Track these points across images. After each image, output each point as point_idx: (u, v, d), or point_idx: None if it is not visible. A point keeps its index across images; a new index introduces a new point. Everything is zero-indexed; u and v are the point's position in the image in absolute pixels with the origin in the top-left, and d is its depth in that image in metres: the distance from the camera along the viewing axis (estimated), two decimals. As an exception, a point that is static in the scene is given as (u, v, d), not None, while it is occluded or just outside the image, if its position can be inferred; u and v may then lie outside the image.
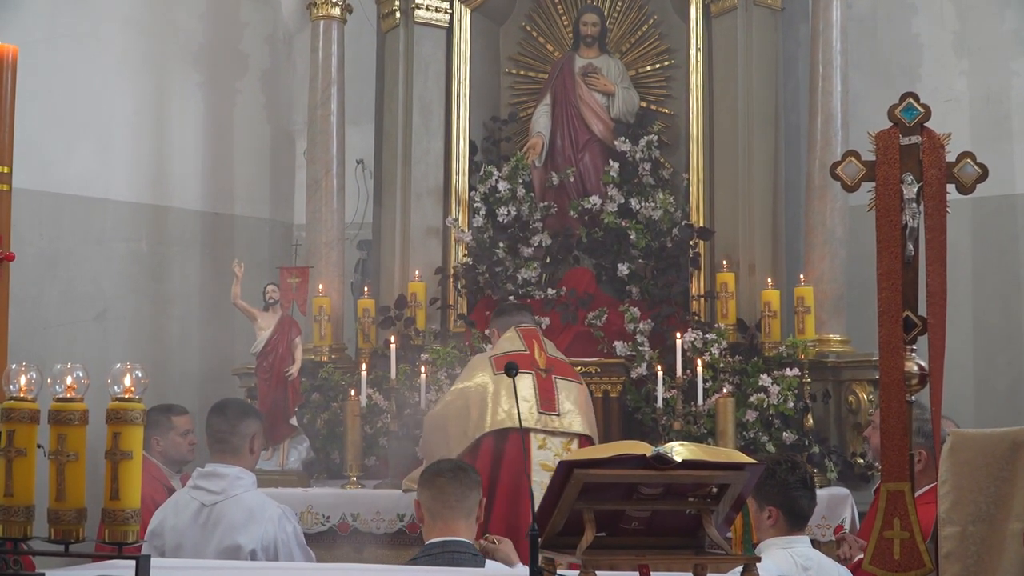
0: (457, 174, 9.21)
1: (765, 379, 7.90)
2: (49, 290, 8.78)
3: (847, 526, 7.24)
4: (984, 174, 4.11)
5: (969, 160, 4.12)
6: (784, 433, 7.81)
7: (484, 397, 6.70)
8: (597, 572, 3.52)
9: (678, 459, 3.57)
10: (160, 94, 9.50)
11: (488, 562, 4.70)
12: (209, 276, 9.57)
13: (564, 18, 9.65)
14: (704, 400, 7.71)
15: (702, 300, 8.65)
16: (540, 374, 6.83)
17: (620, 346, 8.19)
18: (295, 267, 8.37)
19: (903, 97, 4.16)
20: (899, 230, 4.04)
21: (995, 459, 3.51)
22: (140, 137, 9.35)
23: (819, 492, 7.24)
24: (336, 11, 9.10)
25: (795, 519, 4.99)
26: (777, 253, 8.65)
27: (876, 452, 6.88)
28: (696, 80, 8.94)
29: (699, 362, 7.76)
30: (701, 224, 8.75)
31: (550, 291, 8.63)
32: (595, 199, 8.84)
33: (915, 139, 4.10)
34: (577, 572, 3.53)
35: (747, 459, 3.75)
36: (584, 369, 7.81)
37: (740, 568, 3.65)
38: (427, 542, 4.67)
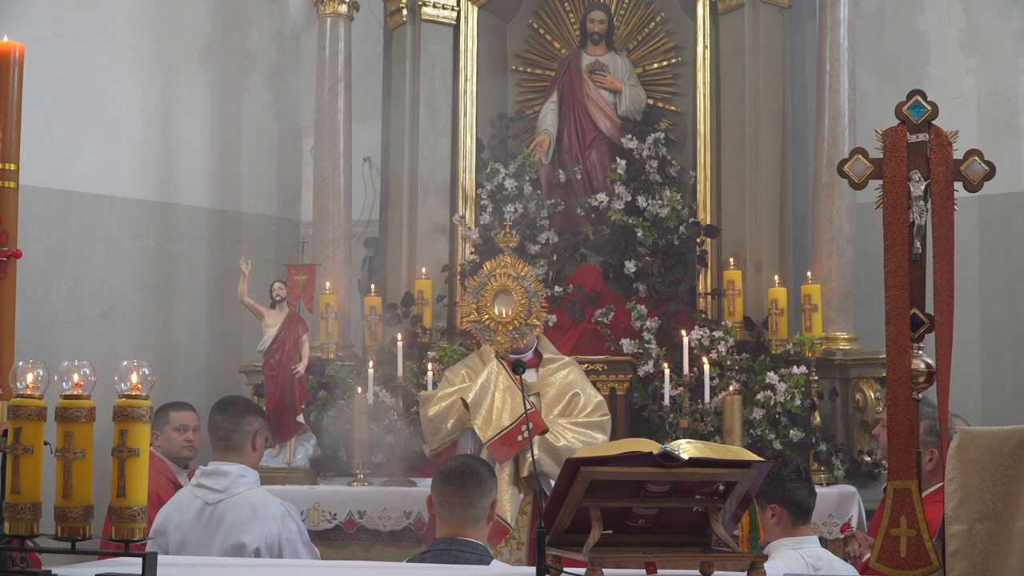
0: (464, 171, 9.22)
1: (772, 377, 7.90)
2: (56, 287, 8.79)
3: (854, 523, 7.24)
4: (991, 172, 4.10)
5: (976, 158, 4.11)
6: (791, 431, 7.81)
7: None
8: (604, 570, 3.52)
9: (685, 457, 3.57)
10: (167, 91, 9.51)
11: (494, 561, 4.70)
12: (216, 273, 9.59)
13: (571, 15, 9.66)
14: (711, 398, 7.72)
15: (709, 298, 8.66)
16: None
17: (627, 344, 8.19)
18: (302, 264, 8.37)
19: (910, 95, 4.15)
20: (906, 228, 4.03)
21: (1002, 457, 3.50)
22: (147, 134, 9.36)
23: (826, 490, 7.33)
24: (343, 8, 9.11)
25: (798, 512, 4.99)
26: (784, 251, 8.65)
27: (885, 450, 6.87)
28: (703, 77, 8.95)
29: (706, 360, 7.76)
30: (708, 222, 8.76)
31: (557, 288, 8.63)
32: (602, 197, 8.85)
33: (922, 137, 4.08)
34: (584, 570, 3.53)
35: (754, 457, 3.76)
36: (591, 367, 7.84)
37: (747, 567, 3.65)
38: (437, 536, 4.66)
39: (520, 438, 6.62)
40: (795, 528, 4.99)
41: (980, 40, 9.14)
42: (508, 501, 6.56)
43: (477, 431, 6.66)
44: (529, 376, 6.95)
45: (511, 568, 4.66)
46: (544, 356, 7.12)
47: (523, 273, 7.02)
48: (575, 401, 6.96)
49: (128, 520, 3.41)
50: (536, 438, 6.63)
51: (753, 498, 4.03)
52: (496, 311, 6.96)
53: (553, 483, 6.46)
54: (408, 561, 4.67)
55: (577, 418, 6.87)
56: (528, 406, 6.60)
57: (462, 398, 6.77)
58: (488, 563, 4.56)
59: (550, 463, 6.68)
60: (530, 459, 6.54)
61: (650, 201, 8.77)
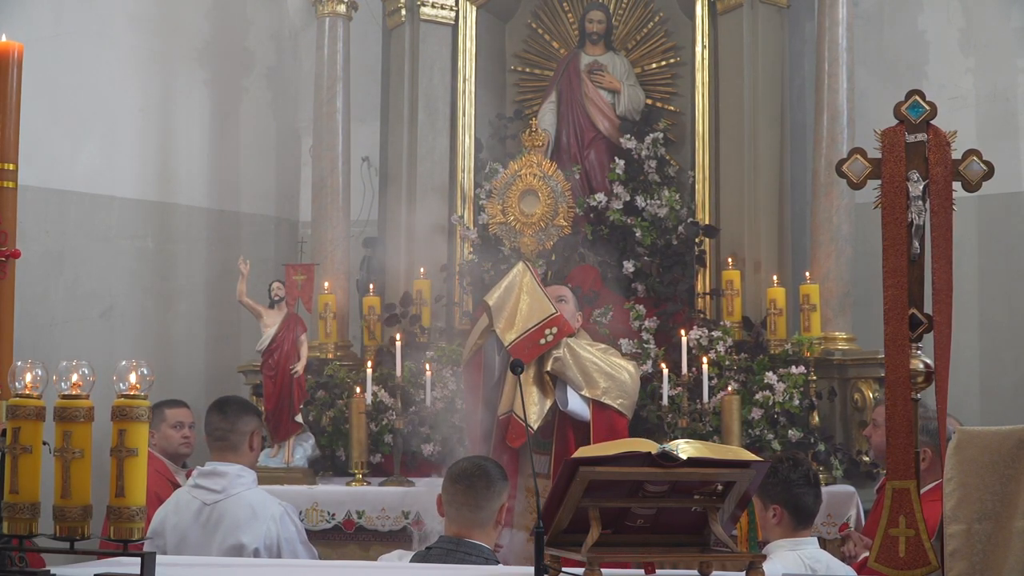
0: (463, 171, 9.22)
1: (771, 377, 7.90)
2: (55, 287, 8.79)
3: (852, 524, 7.23)
4: (990, 172, 4.11)
5: (975, 158, 4.12)
6: (790, 431, 7.80)
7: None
8: (603, 570, 3.52)
9: (684, 457, 3.58)
10: (166, 91, 9.51)
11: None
12: (215, 273, 9.58)
13: (570, 15, 9.66)
14: (710, 398, 7.71)
15: (708, 297, 8.65)
16: None
17: (625, 344, 8.17)
18: (301, 264, 8.37)
19: (909, 94, 4.15)
20: (905, 228, 4.04)
21: (1001, 457, 3.51)
22: (146, 134, 9.36)
23: (824, 490, 7.30)
24: (342, 8, 9.11)
25: (800, 517, 4.96)
26: (783, 250, 8.65)
27: (877, 451, 6.87)
28: (702, 77, 8.94)
29: (704, 360, 7.76)
30: (707, 221, 8.75)
31: (555, 288, 8.62)
32: (601, 196, 8.84)
33: (921, 136, 4.09)
34: (583, 570, 3.53)
35: (753, 457, 3.76)
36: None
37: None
38: (444, 533, 4.65)
39: (543, 340, 6.57)
40: (795, 530, 4.96)
41: (979, 40, 9.14)
42: (532, 403, 6.53)
43: (499, 334, 6.60)
44: None
45: (510, 568, 4.64)
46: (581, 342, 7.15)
47: (550, 172, 6.91)
48: (610, 353, 7.03)
49: (127, 520, 3.41)
50: (565, 340, 6.62)
51: (752, 498, 4.03)
52: (522, 211, 6.90)
53: (570, 391, 6.59)
54: (413, 557, 4.66)
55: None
56: (553, 310, 6.60)
57: (484, 300, 6.71)
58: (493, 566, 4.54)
59: (574, 370, 6.67)
60: (553, 355, 6.53)
61: (649, 201, 8.77)
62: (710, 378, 7.74)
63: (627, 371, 6.90)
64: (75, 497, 3.43)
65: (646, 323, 8.28)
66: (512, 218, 6.79)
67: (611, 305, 8.42)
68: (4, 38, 3.98)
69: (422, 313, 8.74)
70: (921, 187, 4.05)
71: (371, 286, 9.02)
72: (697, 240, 8.69)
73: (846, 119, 8.36)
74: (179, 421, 7.50)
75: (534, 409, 6.55)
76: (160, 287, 9.41)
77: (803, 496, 4.96)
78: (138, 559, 3.37)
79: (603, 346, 7.30)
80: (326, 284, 8.75)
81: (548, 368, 6.64)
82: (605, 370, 6.77)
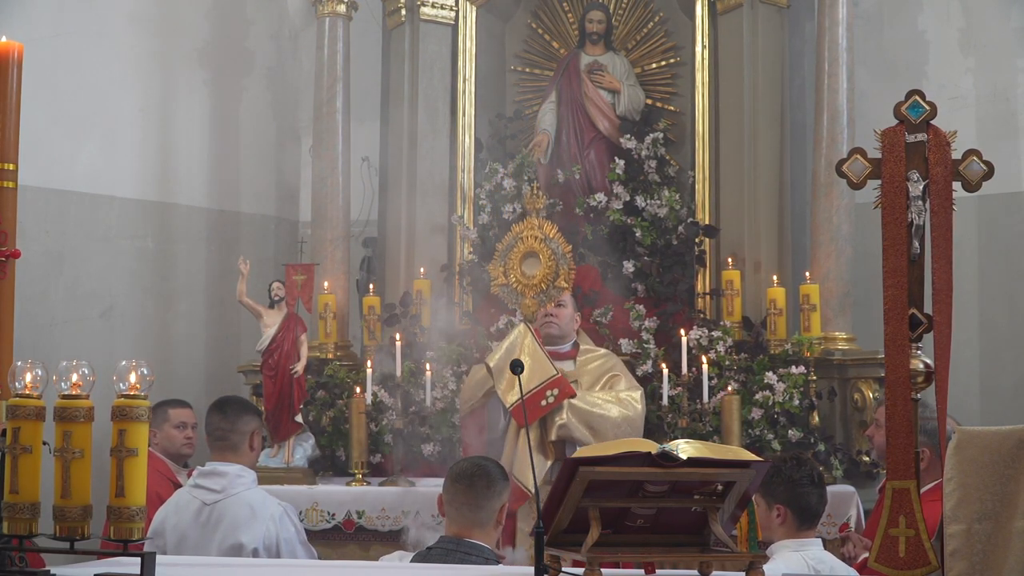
0: (462, 171, 9.22)
1: (771, 377, 7.90)
2: (55, 287, 8.79)
3: (852, 524, 7.22)
4: (990, 172, 4.10)
5: (975, 158, 4.12)
6: (790, 431, 7.81)
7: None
8: (603, 570, 3.52)
9: (684, 457, 3.58)
10: (166, 91, 9.50)
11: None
12: (215, 273, 9.58)
13: (570, 15, 9.65)
14: (709, 398, 7.71)
15: (707, 297, 8.65)
16: None
17: (625, 343, 8.18)
18: (300, 264, 8.36)
19: (909, 94, 4.15)
20: (905, 228, 4.03)
21: (1001, 457, 3.50)
22: (146, 134, 9.36)
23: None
24: (342, 8, 9.11)
25: (804, 517, 4.95)
26: (783, 250, 8.65)
27: (879, 451, 6.87)
28: (702, 77, 8.94)
29: (704, 360, 7.76)
30: (707, 221, 8.76)
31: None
32: (601, 196, 8.84)
33: (921, 136, 4.09)
34: (583, 570, 3.53)
35: (753, 457, 3.76)
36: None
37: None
38: (445, 533, 4.66)
39: (544, 403, 6.60)
40: (799, 530, 4.96)
41: (979, 40, 9.14)
42: (536, 466, 6.55)
43: (500, 395, 6.63)
44: (566, 366, 6.98)
45: (510, 568, 4.64)
46: (581, 347, 7.15)
47: (550, 235, 6.96)
48: (613, 381, 7.02)
49: (127, 520, 3.41)
50: (566, 402, 6.64)
51: (751, 498, 4.03)
52: (523, 273, 6.92)
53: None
54: (413, 557, 4.67)
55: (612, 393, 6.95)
56: (555, 371, 6.62)
57: (486, 363, 6.74)
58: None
59: (582, 429, 6.68)
60: (557, 422, 6.56)
61: (649, 201, 8.77)
62: (710, 378, 7.74)
63: (631, 405, 6.89)
64: (75, 497, 3.43)
65: (646, 323, 8.28)
66: (513, 279, 6.84)
67: (611, 305, 8.42)
68: (4, 38, 3.98)
69: (422, 313, 8.74)
70: (921, 187, 4.04)
71: (371, 286, 9.02)
72: (697, 240, 8.69)
73: (846, 119, 8.36)
74: (182, 421, 7.51)
75: (531, 473, 6.58)
76: (160, 287, 9.40)
77: (807, 496, 4.95)
78: (138, 559, 3.37)
79: (604, 351, 7.30)
80: (326, 284, 8.75)
81: (553, 437, 6.66)
82: (609, 417, 6.77)
